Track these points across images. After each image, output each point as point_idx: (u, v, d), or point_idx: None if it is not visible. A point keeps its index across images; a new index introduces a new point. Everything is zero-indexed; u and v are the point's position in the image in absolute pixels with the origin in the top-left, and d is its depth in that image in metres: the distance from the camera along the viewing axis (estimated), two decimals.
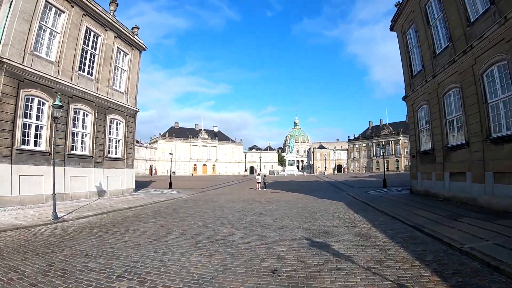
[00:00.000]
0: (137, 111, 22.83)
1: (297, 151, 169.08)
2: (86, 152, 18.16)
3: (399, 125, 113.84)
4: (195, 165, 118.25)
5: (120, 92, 21.40)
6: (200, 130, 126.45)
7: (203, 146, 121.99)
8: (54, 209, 11.38)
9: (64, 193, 16.43)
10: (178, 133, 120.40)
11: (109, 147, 20.13)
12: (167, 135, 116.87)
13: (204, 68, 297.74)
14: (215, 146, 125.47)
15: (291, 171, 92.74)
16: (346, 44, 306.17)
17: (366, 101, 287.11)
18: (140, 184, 33.67)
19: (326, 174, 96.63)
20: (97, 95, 18.88)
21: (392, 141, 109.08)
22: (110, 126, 20.24)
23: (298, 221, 11.22)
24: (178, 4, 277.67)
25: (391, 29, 22.53)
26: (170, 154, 30.84)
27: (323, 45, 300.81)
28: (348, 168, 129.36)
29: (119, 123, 21.14)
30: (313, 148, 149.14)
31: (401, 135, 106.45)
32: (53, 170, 11.70)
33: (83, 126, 18.08)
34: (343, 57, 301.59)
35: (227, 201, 17.96)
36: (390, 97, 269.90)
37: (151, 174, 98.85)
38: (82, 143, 17.99)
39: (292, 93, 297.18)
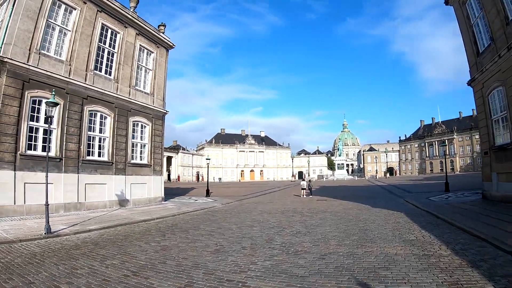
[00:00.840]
0: (165, 113, 21.22)
1: (346, 154, 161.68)
2: (105, 158, 16.74)
3: (452, 123, 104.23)
4: (242, 171, 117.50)
5: (145, 93, 19.92)
6: (247, 135, 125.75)
7: (250, 151, 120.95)
8: (47, 221, 9.69)
9: (79, 202, 15.03)
10: (224, 139, 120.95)
11: (132, 152, 18.63)
12: (213, 141, 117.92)
13: (251, 75, 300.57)
14: (262, 152, 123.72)
15: (341, 175, 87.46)
16: (391, 42, 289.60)
17: (415, 100, 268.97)
18: (177, 192, 32.41)
19: (377, 177, 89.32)
20: (116, 95, 17.47)
21: (446, 140, 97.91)
22: (133, 130, 18.76)
23: (348, 244, 8.02)
24: (221, 13, 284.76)
25: (446, 2, 18.30)
26: (207, 159, 29.05)
27: (367, 45, 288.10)
28: (400, 170, 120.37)
29: (144, 126, 19.62)
30: (363, 151, 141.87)
31: (455, 134, 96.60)
32: (46, 176, 10.08)
33: (101, 129, 16.70)
34: (389, 56, 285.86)
35: (262, 213, 15.19)
36: (440, 94, 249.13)
37: (198, 181, 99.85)
38: (100, 148, 16.60)
39: (340, 95, 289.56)
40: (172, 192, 33.46)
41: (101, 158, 16.51)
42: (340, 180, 70.33)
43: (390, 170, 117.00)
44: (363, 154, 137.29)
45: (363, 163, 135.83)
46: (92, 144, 16.23)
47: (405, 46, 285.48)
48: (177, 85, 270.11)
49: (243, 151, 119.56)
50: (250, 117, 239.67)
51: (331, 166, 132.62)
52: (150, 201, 19.20)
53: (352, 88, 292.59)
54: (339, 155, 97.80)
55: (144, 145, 19.53)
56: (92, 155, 16.12)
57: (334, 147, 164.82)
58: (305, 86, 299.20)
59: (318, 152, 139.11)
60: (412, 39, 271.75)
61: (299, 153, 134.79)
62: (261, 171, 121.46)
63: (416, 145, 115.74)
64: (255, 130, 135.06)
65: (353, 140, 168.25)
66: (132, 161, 18.40)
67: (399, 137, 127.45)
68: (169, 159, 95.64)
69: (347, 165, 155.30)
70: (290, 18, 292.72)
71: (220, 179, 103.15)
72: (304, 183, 24.70)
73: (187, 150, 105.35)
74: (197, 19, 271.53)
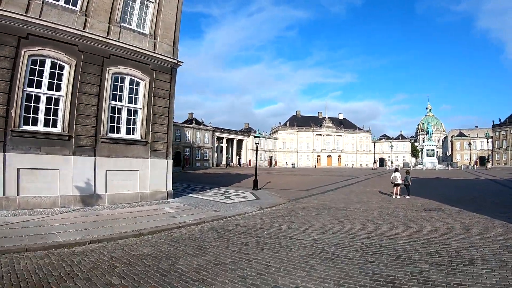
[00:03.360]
0: (176, 64, 14.23)
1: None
2: (57, 129, 10.56)
3: None
4: (318, 156, 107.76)
5: (140, 33, 13.19)
6: (324, 118, 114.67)
7: (327, 135, 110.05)
8: None
9: (5, 197, 9.17)
10: (300, 122, 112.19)
11: (113, 121, 12.22)
12: (288, 124, 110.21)
13: (330, 58, 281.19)
14: (341, 135, 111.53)
15: (431, 163, 69.04)
16: (476, 19, 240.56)
17: (504, 83, 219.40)
18: (221, 181, 25.90)
19: (475, 167, 70.37)
20: (83, 33, 11.04)
21: None
22: (115, 87, 12.28)
23: None
24: None
25: None
26: (256, 136, 21.69)
27: (451, 23, 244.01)
28: (492, 160, 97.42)
29: (137, 82, 13.01)
30: (452, 137, 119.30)
31: None
32: None
33: (51, 84, 10.51)
34: (474, 34, 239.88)
35: (321, 241, 7.24)
36: None
37: (270, 166, 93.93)
38: (49, 114, 10.46)
39: (422, 78, 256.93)
40: (214, 180, 27.16)
41: (48, 129, 10.38)
42: (431, 170, 54.61)
43: (481, 160, 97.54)
44: (451, 140, 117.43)
45: (451, 151, 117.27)
46: (35, 107, 10.15)
47: (492, 23, 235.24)
48: (255, 71, 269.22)
49: (320, 134, 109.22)
50: (329, 101, 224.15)
51: (414, 153, 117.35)
52: (144, 198, 12.65)
53: (435, 70, 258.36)
54: (429, 139, 78.57)
55: (136, 112, 12.96)
56: (32, 124, 10.07)
57: (417, 132, 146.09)
58: (386, 68, 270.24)
59: (401, 137, 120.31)
60: (498, 14, 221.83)
61: (379, 138, 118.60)
62: (339, 156, 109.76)
63: None
64: (332, 114, 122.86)
65: (438, 125, 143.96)
66: (111, 135, 11.96)
67: (493, 121, 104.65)
68: (239, 142, 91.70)
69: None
70: None
71: (293, 164, 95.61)
72: (397, 176, 15.41)
73: (259, 133, 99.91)
74: (272, 3, 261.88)
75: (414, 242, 6.98)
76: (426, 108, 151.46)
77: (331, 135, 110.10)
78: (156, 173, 13.02)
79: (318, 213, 11.06)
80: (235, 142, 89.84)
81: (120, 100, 12.58)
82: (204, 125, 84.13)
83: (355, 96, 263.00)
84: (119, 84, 12.58)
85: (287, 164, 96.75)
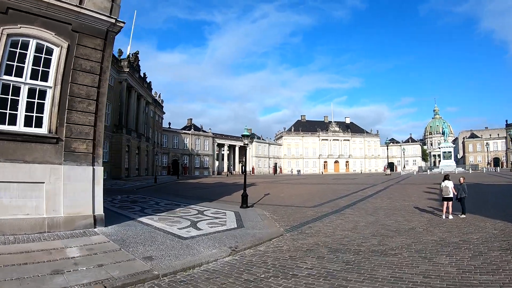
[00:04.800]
0: (113, 25, 9.47)
1: (438, 143, 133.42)
2: None
3: None
4: (325, 162, 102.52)
5: None
6: (330, 122, 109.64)
7: (334, 140, 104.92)
8: None
9: None
10: (305, 127, 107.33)
11: (2, 105, 7.56)
12: (292, 129, 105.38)
13: (334, 63, 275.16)
14: (348, 140, 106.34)
15: (448, 166, 60.75)
16: (479, 20, 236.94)
17: (510, 83, 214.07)
18: (207, 195, 21.14)
19: (498, 170, 64.39)
20: None
21: None
22: (11, 55, 7.68)
23: None
24: (299, 1, 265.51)
25: None
26: (244, 135, 16.82)
27: (453, 24, 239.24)
28: (507, 161, 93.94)
29: (48, 49, 8.35)
30: (464, 138, 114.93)
31: None
32: None
33: None
34: (477, 35, 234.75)
35: None
36: None
37: (275, 173, 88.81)
38: None
39: (428, 81, 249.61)
40: (200, 193, 22.45)
41: None
42: (452, 175, 48.86)
43: (496, 161, 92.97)
44: (463, 142, 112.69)
45: (463, 152, 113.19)
46: None
47: (494, 23, 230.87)
48: (259, 77, 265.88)
49: (326, 139, 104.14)
50: (334, 107, 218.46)
51: (423, 156, 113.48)
52: (55, 226, 7.87)
53: (439, 72, 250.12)
54: (445, 141, 71.12)
55: (44, 93, 8.28)
56: None
57: (424, 135, 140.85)
58: (391, 72, 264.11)
59: (411, 140, 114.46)
60: (500, 14, 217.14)
61: (386, 143, 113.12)
62: (347, 162, 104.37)
63: None
64: (339, 118, 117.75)
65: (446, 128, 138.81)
66: None
67: (506, 121, 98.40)
68: (242, 149, 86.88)
69: (439, 155, 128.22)
70: (372, 1, 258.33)
71: (299, 171, 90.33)
72: (449, 187, 10.46)
73: (262, 139, 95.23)
74: (275, 9, 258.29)
75: None
76: (434, 110, 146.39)
77: (338, 139, 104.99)
78: (74, 187, 8.24)
79: (339, 264, 6.11)
80: (237, 149, 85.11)
81: (19, 75, 7.92)
82: (204, 131, 79.63)
83: (360, 100, 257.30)
84: (18, 51, 7.95)
85: (292, 171, 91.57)
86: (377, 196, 17.89)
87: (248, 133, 13.87)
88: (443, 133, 64.95)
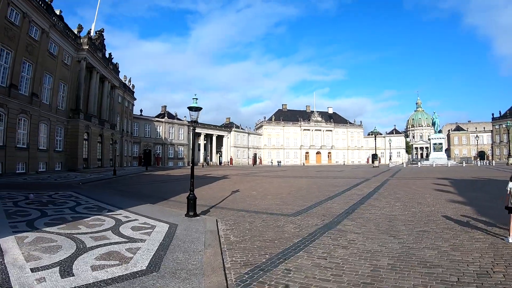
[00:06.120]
0: None
1: (420, 136, 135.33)
2: None
3: None
4: (307, 153, 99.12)
5: None
6: (312, 112, 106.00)
7: (316, 130, 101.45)
8: None
9: None
10: (286, 116, 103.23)
11: None
12: (273, 118, 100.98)
13: (318, 55, 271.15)
14: (331, 130, 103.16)
15: (440, 158, 58.35)
16: (463, 15, 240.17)
17: (491, 79, 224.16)
18: (156, 192, 16.49)
19: (493, 164, 62.71)
20: None
21: None
22: None
23: None
24: None
25: None
26: (191, 120, 12.65)
27: (438, 19, 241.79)
28: (493, 155, 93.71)
29: None
30: (449, 131, 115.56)
31: None
32: None
33: None
34: (461, 31, 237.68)
35: None
36: None
37: (255, 164, 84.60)
38: None
39: (411, 74, 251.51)
40: (149, 189, 17.79)
41: None
42: (446, 168, 45.64)
43: (481, 155, 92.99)
44: (448, 135, 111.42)
45: (448, 145, 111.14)
46: None
47: (479, 19, 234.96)
48: (243, 68, 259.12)
49: (308, 129, 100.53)
50: (317, 99, 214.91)
51: (408, 149, 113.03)
52: None
53: (423, 66, 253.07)
54: (436, 132, 64.64)
55: None
56: None
57: (407, 128, 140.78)
58: (374, 64, 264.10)
59: (395, 132, 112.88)
60: (485, 10, 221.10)
61: (369, 134, 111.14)
62: (329, 153, 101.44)
63: None
64: (321, 108, 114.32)
65: (428, 121, 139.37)
66: None
67: (493, 114, 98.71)
68: (219, 138, 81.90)
69: (421, 148, 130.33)
70: None
71: (279, 162, 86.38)
72: None
73: (241, 129, 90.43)
74: None
75: None
76: (416, 103, 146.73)
77: (320, 130, 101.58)
78: None
79: None
80: (214, 138, 79.94)
81: None
82: (179, 119, 73.99)
83: (343, 92, 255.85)
84: None
85: (272, 162, 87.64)
86: (380, 196, 13.71)
87: (196, 105, 9.21)
88: (433, 124, 61.96)
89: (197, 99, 9.36)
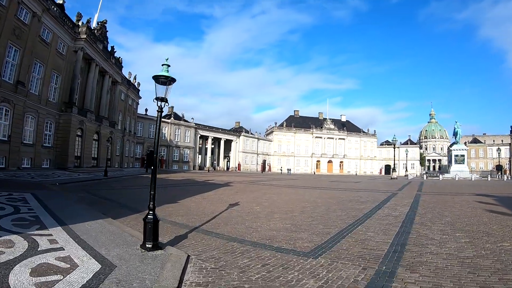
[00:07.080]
0: None
1: (433, 148, 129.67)
2: None
3: None
4: (318, 161, 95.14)
5: None
6: (325, 119, 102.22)
7: (328, 138, 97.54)
8: None
9: None
10: (298, 123, 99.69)
11: None
12: (284, 124, 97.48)
13: (331, 63, 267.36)
14: (343, 139, 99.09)
15: (462, 171, 52.34)
16: (478, 27, 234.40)
17: (506, 92, 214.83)
18: (142, 202, 13.14)
19: (509, 177, 57.60)
20: None
21: None
22: None
23: None
24: None
25: None
26: (157, 100, 9.50)
27: (453, 31, 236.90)
28: (510, 169, 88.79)
29: None
30: (466, 143, 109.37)
31: None
32: None
33: None
34: (475, 42, 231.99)
35: None
36: None
37: (263, 171, 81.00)
38: None
39: (423, 86, 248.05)
40: (132, 198, 14.44)
41: None
42: (471, 182, 39.50)
43: (498, 168, 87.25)
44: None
45: (466, 158, 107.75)
46: None
47: (493, 32, 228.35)
48: (255, 74, 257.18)
49: (320, 137, 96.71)
50: (329, 107, 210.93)
51: (422, 161, 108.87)
52: None
53: (435, 78, 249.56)
54: (457, 143, 58.22)
55: None
56: None
57: (419, 139, 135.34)
58: (388, 75, 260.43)
59: (410, 142, 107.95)
60: (501, 22, 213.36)
61: (382, 144, 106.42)
62: (341, 162, 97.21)
63: None
64: (334, 116, 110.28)
65: (441, 133, 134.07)
66: None
67: (511, 127, 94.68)
68: (228, 143, 78.73)
69: (433, 160, 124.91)
70: (375, 2, 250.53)
71: (289, 170, 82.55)
72: None
73: (251, 134, 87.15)
74: (276, 5, 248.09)
75: None
76: (430, 114, 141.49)
77: (332, 138, 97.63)
78: None
79: None
80: (222, 143, 76.83)
81: None
82: (185, 120, 71.18)
83: (355, 102, 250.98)
84: None
85: (282, 170, 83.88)
86: (425, 220, 9.99)
87: (166, 73, 5.87)
88: (455, 135, 57.21)
89: (169, 65, 6.01)
